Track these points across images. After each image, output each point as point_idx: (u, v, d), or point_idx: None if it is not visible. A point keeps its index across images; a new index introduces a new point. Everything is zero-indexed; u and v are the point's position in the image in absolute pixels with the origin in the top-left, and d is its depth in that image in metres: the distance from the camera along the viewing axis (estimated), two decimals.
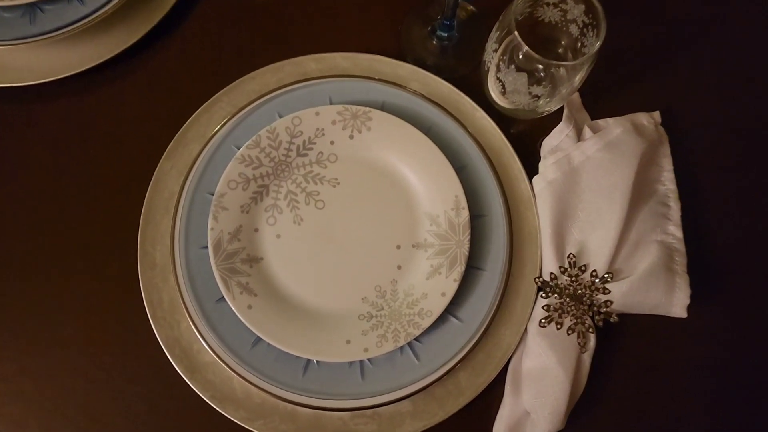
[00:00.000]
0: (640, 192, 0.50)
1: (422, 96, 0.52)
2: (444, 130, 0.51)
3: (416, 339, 0.47)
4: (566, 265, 0.49)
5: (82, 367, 0.48)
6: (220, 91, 0.52)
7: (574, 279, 0.48)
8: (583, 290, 0.48)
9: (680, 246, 0.49)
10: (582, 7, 0.46)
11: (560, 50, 0.50)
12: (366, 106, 0.50)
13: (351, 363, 0.47)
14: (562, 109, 0.51)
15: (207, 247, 0.47)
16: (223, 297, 0.47)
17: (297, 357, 0.46)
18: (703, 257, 0.52)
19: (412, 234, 0.50)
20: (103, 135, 0.53)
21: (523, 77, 0.47)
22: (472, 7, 0.57)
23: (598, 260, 0.48)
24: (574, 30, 0.48)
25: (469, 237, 0.48)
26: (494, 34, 0.47)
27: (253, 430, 0.46)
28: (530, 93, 0.47)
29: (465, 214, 0.48)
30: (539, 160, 0.51)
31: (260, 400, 0.47)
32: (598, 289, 0.48)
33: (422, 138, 0.50)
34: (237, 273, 0.47)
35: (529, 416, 0.46)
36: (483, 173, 0.51)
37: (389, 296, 0.48)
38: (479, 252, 0.49)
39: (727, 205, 0.54)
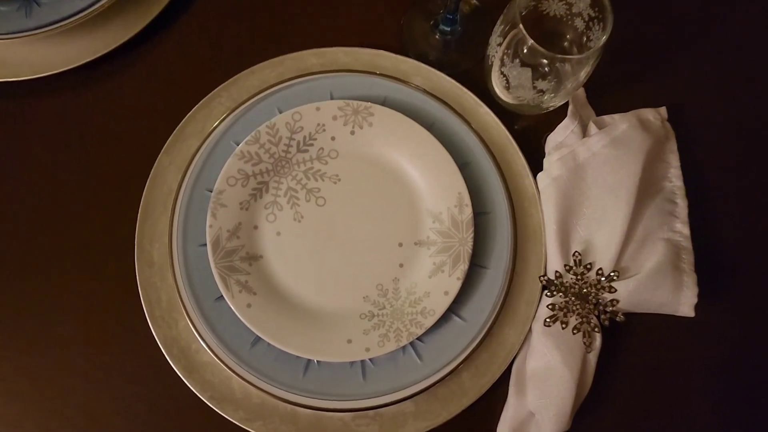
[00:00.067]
0: (647, 189, 0.49)
1: (425, 91, 0.52)
2: (447, 126, 0.51)
3: (419, 338, 0.47)
4: (571, 264, 0.48)
5: (81, 367, 0.48)
6: (219, 86, 0.52)
7: (579, 277, 0.48)
8: (589, 289, 0.47)
9: (687, 244, 0.49)
10: (588, 0, 0.45)
11: (565, 44, 0.50)
12: (368, 101, 0.50)
13: (352, 363, 0.46)
14: (567, 104, 0.50)
15: (205, 244, 0.47)
16: (221, 295, 0.46)
17: (297, 357, 0.46)
18: (710, 256, 0.52)
19: (415, 231, 0.49)
20: (100, 130, 0.53)
21: (528, 72, 0.46)
22: (475, 0, 0.57)
23: (604, 258, 0.48)
24: (579, 24, 0.47)
25: (472, 234, 0.47)
26: (498, 28, 0.46)
27: (252, 430, 0.46)
28: (535, 88, 0.47)
29: (468, 211, 0.48)
30: (544, 157, 0.51)
31: (260, 401, 0.46)
32: (604, 288, 0.47)
33: (425, 134, 0.49)
34: (236, 271, 0.47)
35: (534, 417, 0.46)
36: (486, 170, 0.50)
37: (391, 295, 0.48)
38: (483, 250, 0.49)
39: (728, 205, 0.54)
